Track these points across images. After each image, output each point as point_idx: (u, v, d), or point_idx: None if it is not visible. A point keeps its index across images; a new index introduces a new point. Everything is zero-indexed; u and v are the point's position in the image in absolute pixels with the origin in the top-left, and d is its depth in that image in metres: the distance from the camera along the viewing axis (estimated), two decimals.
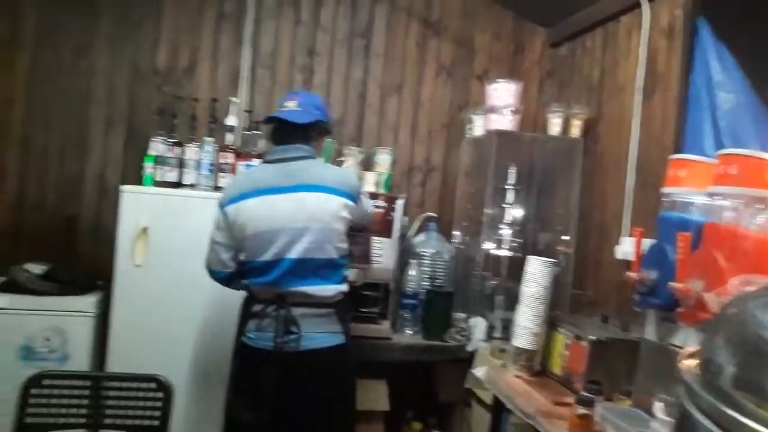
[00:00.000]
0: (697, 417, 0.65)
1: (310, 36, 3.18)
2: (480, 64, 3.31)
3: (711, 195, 1.58)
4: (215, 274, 2.11)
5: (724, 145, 1.95)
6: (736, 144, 1.89)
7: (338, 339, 1.99)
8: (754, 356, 0.63)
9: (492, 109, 2.84)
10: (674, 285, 1.51)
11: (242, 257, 2.04)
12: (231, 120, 2.85)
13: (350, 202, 2.01)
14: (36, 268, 2.60)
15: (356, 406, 2.11)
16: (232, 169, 2.73)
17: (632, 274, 1.74)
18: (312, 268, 1.96)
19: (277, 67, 3.15)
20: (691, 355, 0.78)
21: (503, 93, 2.83)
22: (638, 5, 2.44)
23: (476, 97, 3.25)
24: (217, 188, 2.69)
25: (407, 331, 2.62)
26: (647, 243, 1.82)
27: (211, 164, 2.72)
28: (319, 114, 2.12)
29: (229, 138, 2.82)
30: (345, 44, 3.21)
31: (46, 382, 1.84)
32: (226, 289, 2.22)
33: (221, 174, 2.73)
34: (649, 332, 1.73)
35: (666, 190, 1.76)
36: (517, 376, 1.99)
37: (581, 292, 2.51)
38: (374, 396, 2.52)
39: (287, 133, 2.07)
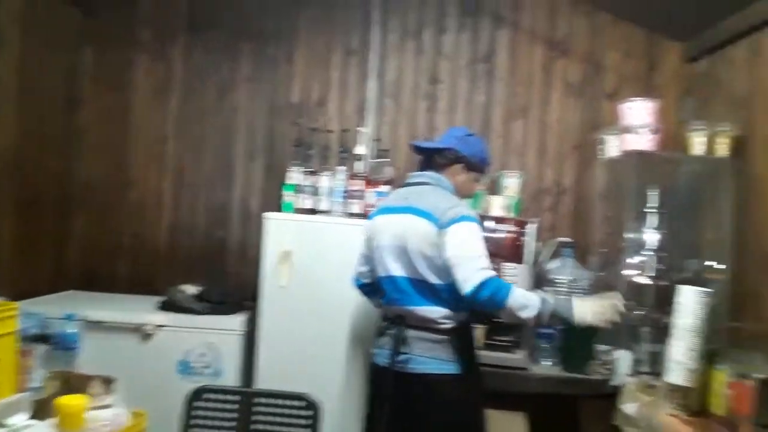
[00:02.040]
0: None
1: (432, 64, 3.24)
2: (610, 83, 3.20)
3: None
4: (353, 281, 2.31)
5: None
6: None
7: (450, 368, 1.98)
8: None
9: (627, 129, 2.72)
10: None
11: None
12: (360, 149, 2.96)
13: (435, 227, 1.96)
14: (190, 289, 2.84)
15: None
16: (362, 196, 2.82)
17: None
18: (416, 288, 2.01)
19: (401, 97, 3.24)
20: None
21: (639, 112, 2.70)
22: None
23: (607, 117, 3.14)
24: (349, 215, 2.79)
25: (544, 362, 2.54)
26: None
27: (344, 191, 2.83)
28: (450, 142, 2.17)
29: (359, 166, 2.92)
30: (467, 70, 3.23)
31: (206, 395, 1.98)
32: (366, 309, 2.38)
33: (351, 201, 2.83)
34: None
35: None
36: (673, 415, 1.87)
37: (740, 324, 2.31)
38: (512, 429, 2.46)
39: (421, 160, 2.23)
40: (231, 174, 3.24)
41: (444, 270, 1.96)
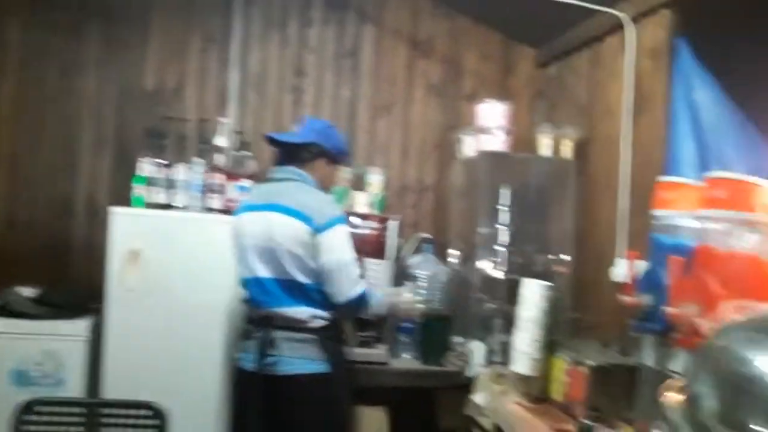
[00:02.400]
0: None
1: (297, 56, 3.18)
2: (469, 85, 3.32)
3: (700, 218, 1.59)
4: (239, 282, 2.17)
5: (709, 165, 1.96)
6: (720, 164, 1.91)
7: (319, 367, 1.96)
8: (735, 393, 0.62)
9: (482, 130, 2.84)
10: (668, 310, 1.51)
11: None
12: (220, 140, 2.83)
13: (309, 229, 1.95)
14: (28, 291, 2.58)
15: None
16: (223, 190, 2.71)
17: (626, 298, 1.74)
18: (284, 288, 1.97)
19: (265, 88, 3.15)
20: (676, 388, 0.75)
21: (493, 113, 2.83)
22: (621, 27, 2.47)
23: (466, 117, 3.25)
24: (208, 209, 2.67)
25: (404, 356, 2.59)
26: (642, 265, 1.82)
27: (201, 185, 2.69)
28: (314, 136, 2.12)
29: (219, 159, 2.80)
30: (333, 64, 3.21)
31: (39, 408, 1.80)
32: (221, 311, 2.27)
33: (211, 195, 2.70)
34: (647, 358, 1.73)
35: (656, 212, 1.76)
36: (518, 403, 1.97)
37: (579, 315, 2.50)
38: (374, 424, 2.47)
39: (282, 154, 2.15)
40: (75, 165, 2.97)
41: (315, 271, 1.96)
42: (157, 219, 2.55)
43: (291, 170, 2.10)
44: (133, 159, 2.81)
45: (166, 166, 2.69)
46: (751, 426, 0.58)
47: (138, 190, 2.64)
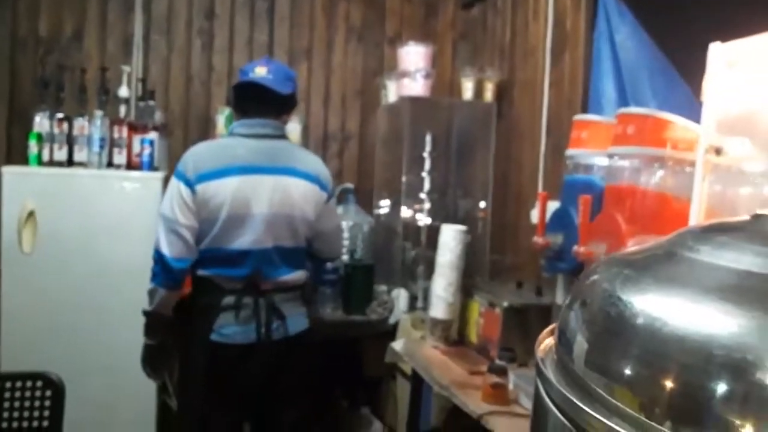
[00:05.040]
0: (548, 405, 0.57)
1: None
2: (391, 28, 3.20)
3: (610, 156, 1.57)
4: (178, 264, 1.74)
5: (628, 104, 1.94)
6: (639, 103, 1.89)
7: (307, 321, 1.90)
8: (604, 335, 0.57)
9: (404, 74, 2.74)
10: (577, 249, 1.50)
11: (205, 244, 1.77)
12: (123, 91, 2.64)
13: (324, 195, 1.88)
14: None
15: None
16: (128, 144, 2.54)
17: (538, 239, 1.72)
18: (285, 256, 1.82)
19: (173, 32, 2.94)
20: (549, 331, 0.70)
21: (415, 57, 2.73)
22: None
23: (389, 62, 3.14)
24: (110, 165, 2.51)
25: (328, 308, 2.53)
26: (554, 206, 1.80)
27: (103, 139, 2.51)
28: (293, 86, 1.88)
29: (123, 110, 2.62)
30: (246, 6, 3.02)
31: None
32: (124, 273, 2.12)
33: (116, 149, 2.53)
34: (559, 297, 1.73)
35: (569, 152, 1.74)
36: (435, 347, 1.95)
37: (499, 257, 2.49)
38: None
39: (262, 104, 1.80)
40: None
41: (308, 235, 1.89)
42: (53, 178, 2.38)
43: (275, 125, 1.84)
44: (28, 113, 2.61)
45: (65, 120, 2.49)
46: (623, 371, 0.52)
47: (33, 147, 2.44)
